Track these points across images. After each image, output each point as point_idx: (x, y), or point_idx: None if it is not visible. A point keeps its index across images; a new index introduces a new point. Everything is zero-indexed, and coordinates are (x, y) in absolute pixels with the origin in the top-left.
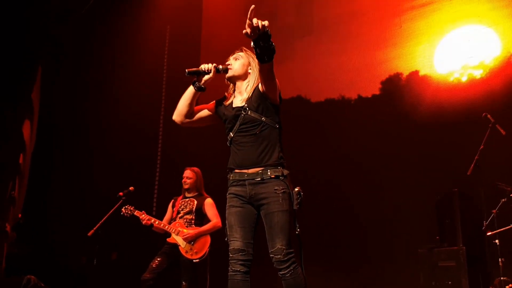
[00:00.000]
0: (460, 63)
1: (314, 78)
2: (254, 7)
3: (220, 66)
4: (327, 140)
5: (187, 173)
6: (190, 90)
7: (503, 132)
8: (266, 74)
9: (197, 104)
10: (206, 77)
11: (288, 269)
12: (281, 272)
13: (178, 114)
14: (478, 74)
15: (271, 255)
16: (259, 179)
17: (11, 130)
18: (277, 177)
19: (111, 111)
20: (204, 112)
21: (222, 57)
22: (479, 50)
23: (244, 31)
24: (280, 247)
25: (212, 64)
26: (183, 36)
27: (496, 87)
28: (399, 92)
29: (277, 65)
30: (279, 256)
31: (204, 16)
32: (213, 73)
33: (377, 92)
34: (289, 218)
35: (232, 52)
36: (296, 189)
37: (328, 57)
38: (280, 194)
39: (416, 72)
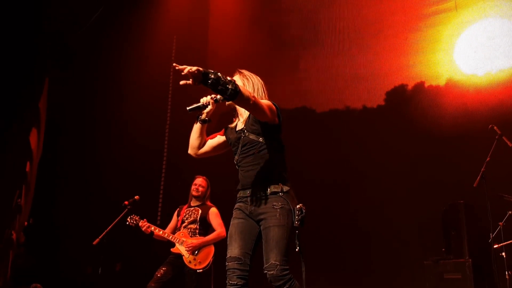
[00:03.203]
0: (466, 74)
1: (319, 88)
2: (174, 66)
3: (218, 96)
4: (332, 150)
5: (200, 181)
6: (197, 125)
7: (509, 144)
8: (245, 108)
9: (208, 135)
10: (208, 109)
11: (284, 287)
12: None
13: (191, 148)
14: (485, 85)
15: (264, 271)
16: (259, 195)
17: (18, 139)
18: (275, 193)
19: (118, 120)
20: (216, 141)
21: (228, 68)
22: (486, 62)
23: (182, 83)
24: (273, 262)
25: (210, 96)
26: (189, 47)
27: (503, 98)
28: (404, 103)
29: (282, 76)
30: (272, 272)
31: (211, 26)
32: (213, 104)
33: (382, 103)
34: (287, 234)
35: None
36: (298, 206)
37: (333, 68)
38: (278, 210)
39: (422, 83)
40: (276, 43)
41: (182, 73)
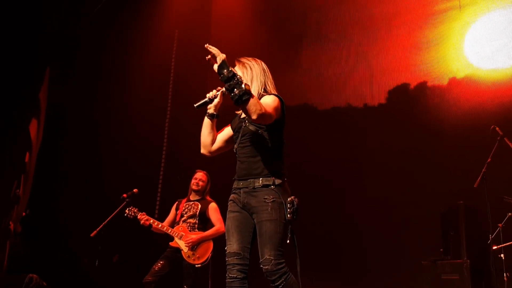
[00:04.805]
0: (469, 74)
1: (321, 85)
2: (207, 46)
3: (224, 88)
4: (333, 148)
5: (201, 175)
6: (206, 121)
7: (511, 146)
8: (247, 116)
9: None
10: (215, 102)
11: (279, 281)
12: (272, 284)
13: (203, 147)
14: (488, 84)
15: (260, 266)
16: (251, 187)
17: (18, 129)
18: (267, 186)
19: (118, 112)
20: (226, 133)
21: (230, 61)
22: (489, 61)
23: (208, 58)
24: (268, 257)
25: (216, 89)
26: (191, 41)
27: (506, 99)
28: (405, 102)
29: (284, 72)
30: (267, 267)
31: (213, 20)
32: (220, 97)
33: (384, 102)
34: (280, 228)
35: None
36: (289, 199)
37: (335, 65)
38: (270, 203)
39: (424, 82)
40: (278, 39)
41: (207, 57)
